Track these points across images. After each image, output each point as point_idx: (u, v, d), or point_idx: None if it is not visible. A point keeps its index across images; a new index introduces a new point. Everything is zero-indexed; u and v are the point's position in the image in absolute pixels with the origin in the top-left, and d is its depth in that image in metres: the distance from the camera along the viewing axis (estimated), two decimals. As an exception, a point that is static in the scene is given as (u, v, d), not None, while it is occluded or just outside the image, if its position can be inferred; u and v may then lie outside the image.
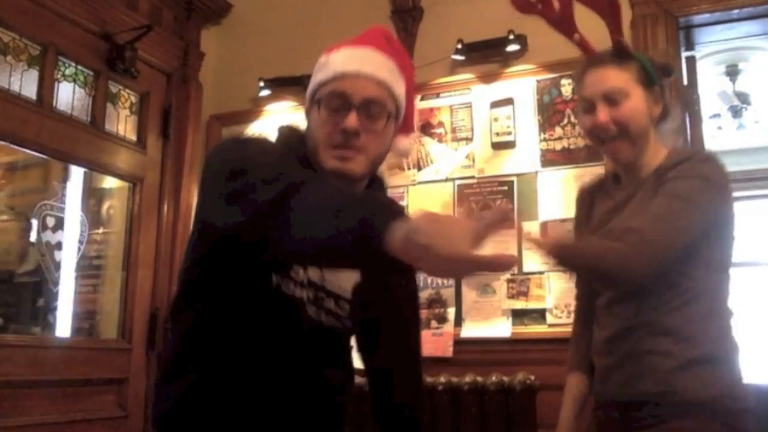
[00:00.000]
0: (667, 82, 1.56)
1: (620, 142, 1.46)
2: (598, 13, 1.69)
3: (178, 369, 1.24)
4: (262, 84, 3.45)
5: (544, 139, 2.98)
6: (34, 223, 3.01)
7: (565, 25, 1.70)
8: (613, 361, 1.46)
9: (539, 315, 2.82)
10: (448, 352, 2.87)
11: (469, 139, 3.11)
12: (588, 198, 1.65)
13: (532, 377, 2.69)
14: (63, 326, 3.09)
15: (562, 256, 1.39)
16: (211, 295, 1.23)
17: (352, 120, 1.20)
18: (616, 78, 1.46)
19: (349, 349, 1.42)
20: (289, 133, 1.34)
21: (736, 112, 5.30)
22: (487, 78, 3.12)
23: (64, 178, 3.15)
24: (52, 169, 3.18)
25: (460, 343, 2.89)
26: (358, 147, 1.22)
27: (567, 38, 1.68)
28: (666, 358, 1.39)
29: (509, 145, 3.05)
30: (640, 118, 1.45)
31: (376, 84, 1.24)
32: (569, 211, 2.85)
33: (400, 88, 1.29)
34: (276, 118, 3.50)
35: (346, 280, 1.32)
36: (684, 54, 2.98)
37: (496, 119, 3.09)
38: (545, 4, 1.69)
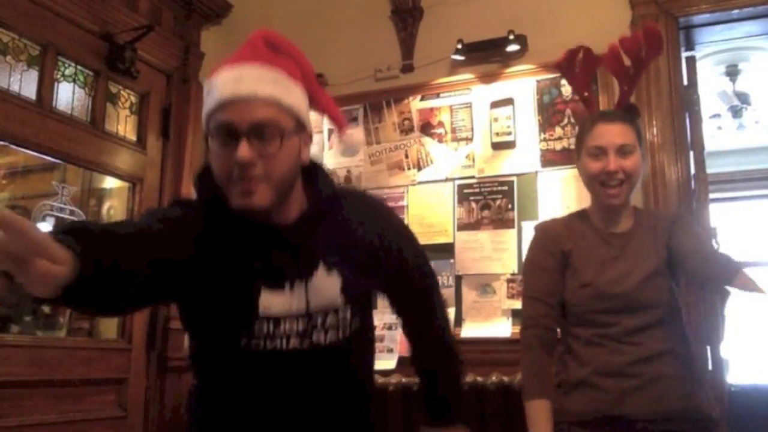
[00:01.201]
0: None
1: (622, 188, 1.71)
2: (618, 80, 1.97)
3: (188, 420, 1.36)
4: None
5: (544, 139, 2.98)
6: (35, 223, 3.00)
7: (579, 86, 2.05)
8: (635, 384, 1.66)
9: (539, 315, 2.82)
10: (448, 352, 2.87)
11: (469, 139, 3.12)
12: (555, 241, 1.81)
13: (532, 377, 2.68)
14: (63, 326, 3.09)
15: None
16: (196, 359, 1.31)
17: (243, 151, 1.10)
18: (628, 135, 1.71)
19: (355, 363, 1.34)
20: (201, 176, 1.24)
21: (736, 112, 5.30)
22: (487, 78, 3.12)
23: (64, 178, 3.14)
24: (52, 169, 3.18)
25: (460, 343, 2.86)
26: (258, 177, 1.12)
27: (578, 95, 2.04)
28: (681, 381, 1.67)
29: (509, 145, 3.05)
30: (639, 171, 1.72)
31: (262, 103, 1.13)
32: (569, 211, 2.86)
33: (293, 96, 1.18)
34: (276, 118, 3.50)
35: (329, 290, 1.24)
36: (684, 54, 2.98)
37: (496, 119, 3.09)
38: (569, 69, 2.06)
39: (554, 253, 1.79)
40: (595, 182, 1.74)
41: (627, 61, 1.92)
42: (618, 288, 1.69)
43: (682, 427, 1.65)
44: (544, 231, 1.87)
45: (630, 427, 1.66)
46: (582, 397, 1.70)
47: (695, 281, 2.01)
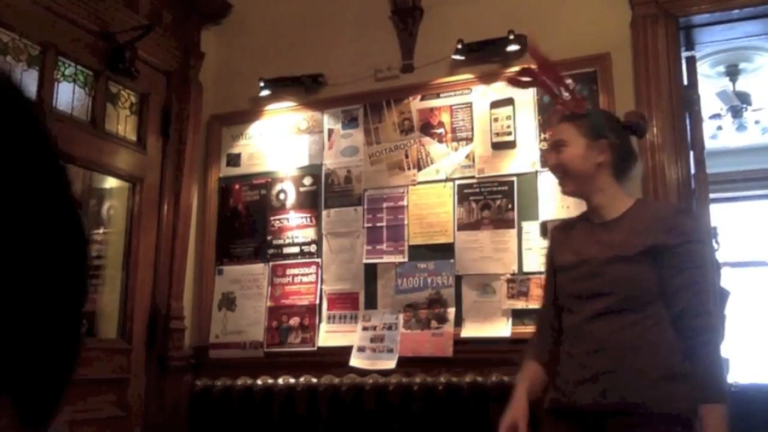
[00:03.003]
0: (625, 137, 1.86)
1: (563, 179, 1.86)
2: (558, 88, 2.09)
3: None
4: (262, 84, 3.45)
5: (544, 139, 2.98)
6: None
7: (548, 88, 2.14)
8: (589, 375, 1.66)
9: (539, 315, 2.82)
10: (448, 352, 2.87)
11: (469, 139, 3.11)
12: (560, 234, 1.98)
13: (532, 377, 2.69)
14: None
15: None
16: None
17: None
18: (564, 132, 1.84)
19: None
20: None
21: (736, 112, 5.30)
22: (487, 78, 3.12)
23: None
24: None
25: (460, 343, 2.89)
26: None
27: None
28: (640, 374, 1.63)
29: (509, 145, 3.05)
30: (577, 163, 1.78)
31: None
32: (569, 211, 2.86)
33: None
34: (276, 118, 3.50)
35: None
36: (684, 54, 2.98)
37: (496, 119, 3.09)
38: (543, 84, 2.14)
39: (548, 255, 1.97)
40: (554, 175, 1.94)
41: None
42: (575, 272, 1.77)
43: (644, 423, 1.60)
44: (551, 228, 2.05)
45: (582, 420, 1.67)
46: (552, 388, 1.79)
47: None
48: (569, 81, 2.16)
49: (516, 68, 3.06)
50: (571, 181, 1.83)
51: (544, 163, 2.96)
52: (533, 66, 2.11)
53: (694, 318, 1.66)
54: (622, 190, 1.82)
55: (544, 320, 1.94)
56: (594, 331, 1.70)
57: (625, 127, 1.85)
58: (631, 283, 1.70)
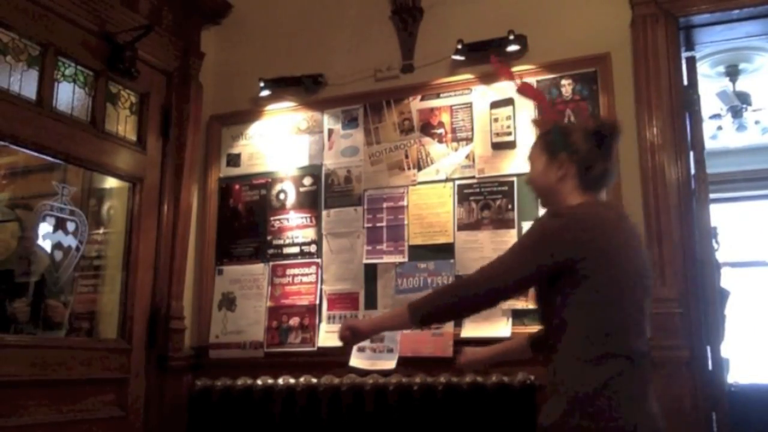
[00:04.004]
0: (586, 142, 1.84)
1: (535, 194, 1.98)
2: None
3: None
4: (262, 84, 3.45)
5: (544, 139, 2.98)
6: (35, 223, 3.00)
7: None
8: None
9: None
10: (448, 352, 2.87)
11: (469, 140, 3.11)
12: None
13: (532, 377, 2.69)
14: (63, 326, 3.09)
15: None
16: None
17: None
18: (531, 150, 1.91)
19: None
20: None
21: (736, 112, 5.30)
22: (487, 78, 3.12)
23: (64, 178, 3.15)
24: (52, 169, 3.18)
25: (460, 343, 2.88)
26: None
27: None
28: (554, 394, 1.62)
29: (509, 145, 3.05)
30: (540, 179, 1.85)
31: None
32: (569, 211, 2.86)
33: None
34: (276, 119, 3.50)
35: None
36: (684, 54, 2.98)
37: (496, 119, 3.09)
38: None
39: None
40: None
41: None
42: None
43: None
44: None
45: None
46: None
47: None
48: (546, 96, 2.40)
49: (516, 68, 3.08)
50: (539, 195, 1.95)
51: (544, 163, 2.97)
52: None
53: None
54: (595, 197, 1.81)
55: None
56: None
57: (596, 134, 1.84)
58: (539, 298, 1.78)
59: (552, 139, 1.89)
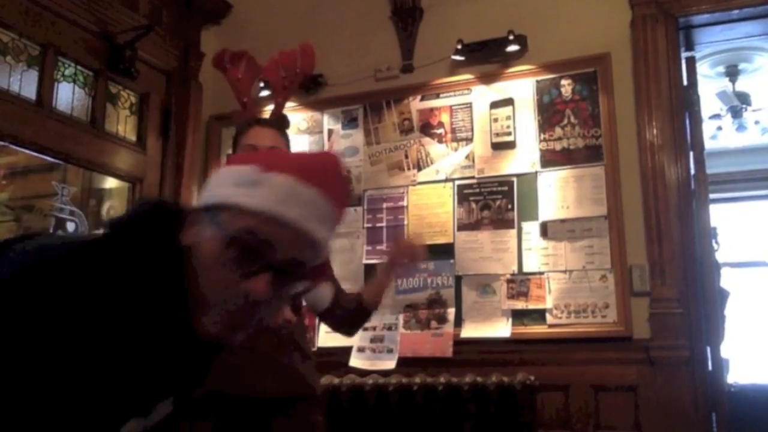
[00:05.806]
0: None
1: None
2: (274, 91, 2.35)
3: None
4: (261, 84, 3.45)
5: (544, 140, 2.98)
6: (34, 223, 3.00)
7: (241, 90, 2.30)
8: None
9: (539, 315, 2.82)
10: (448, 352, 2.87)
11: (469, 140, 3.11)
12: None
13: (532, 377, 2.69)
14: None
15: None
16: None
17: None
18: (278, 140, 1.94)
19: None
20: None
21: (736, 112, 5.30)
22: (487, 78, 3.12)
23: (64, 178, 3.15)
24: (51, 169, 3.18)
25: (460, 343, 2.89)
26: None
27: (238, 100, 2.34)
28: None
29: (509, 145, 3.05)
30: None
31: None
32: (569, 211, 2.86)
33: None
34: (276, 118, 3.51)
35: None
36: (684, 54, 2.98)
37: (495, 119, 3.09)
38: (228, 71, 2.34)
39: None
40: None
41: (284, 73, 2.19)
42: None
43: None
44: None
45: None
46: None
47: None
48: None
49: (516, 68, 3.08)
50: None
51: (544, 163, 2.97)
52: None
53: None
54: None
55: None
56: None
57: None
58: None
59: (287, 134, 1.98)
